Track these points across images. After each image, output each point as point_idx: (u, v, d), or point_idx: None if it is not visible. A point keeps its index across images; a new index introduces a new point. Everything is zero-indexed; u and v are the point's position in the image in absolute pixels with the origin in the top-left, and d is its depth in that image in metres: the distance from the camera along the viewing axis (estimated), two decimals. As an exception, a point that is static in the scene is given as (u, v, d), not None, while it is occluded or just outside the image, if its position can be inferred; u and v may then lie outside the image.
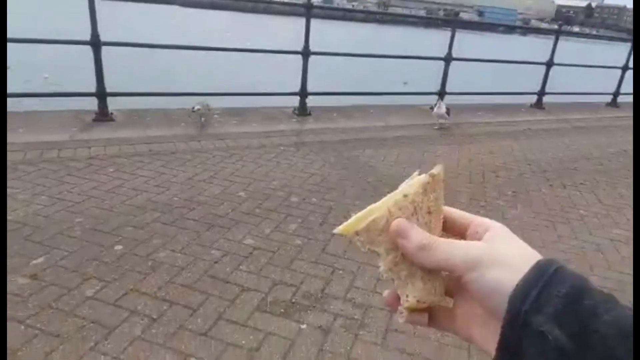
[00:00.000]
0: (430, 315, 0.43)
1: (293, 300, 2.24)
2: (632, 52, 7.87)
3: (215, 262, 2.47)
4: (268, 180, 3.63)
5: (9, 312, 1.96)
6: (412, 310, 0.42)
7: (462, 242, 0.40)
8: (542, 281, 0.33)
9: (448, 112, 5.70)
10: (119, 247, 2.51)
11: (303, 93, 5.59)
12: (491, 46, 23.19)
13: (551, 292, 0.33)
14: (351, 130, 5.29)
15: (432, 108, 6.03)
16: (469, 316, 0.41)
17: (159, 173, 3.54)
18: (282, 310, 2.16)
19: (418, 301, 0.41)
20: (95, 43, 4.19)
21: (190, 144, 4.26)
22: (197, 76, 8.45)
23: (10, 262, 2.29)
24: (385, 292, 0.44)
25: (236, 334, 1.98)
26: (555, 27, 7.73)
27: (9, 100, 4.53)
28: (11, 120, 4.28)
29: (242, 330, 2.00)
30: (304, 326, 2.07)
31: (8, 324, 1.90)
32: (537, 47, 10.64)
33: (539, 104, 7.70)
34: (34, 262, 2.31)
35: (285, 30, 14.53)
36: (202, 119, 4.75)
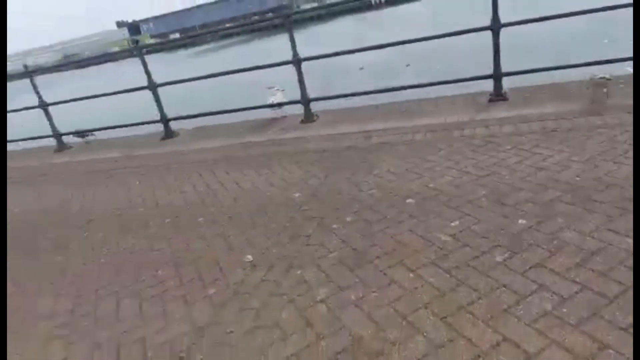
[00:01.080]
0: None
1: None
2: None
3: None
4: None
5: (437, 262, 2.44)
6: None
7: None
8: None
9: None
10: (522, 221, 2.63)
11: None
12: None
13: None
14: None
15: None
16: None
17: (557, 151, 3.42)
18: None
19: None
20: (495, 28, 4.41)
21: (589, 120, 3.88)
22: (593, 43, 7.49)
23: (434, 222, 2.83)
24: None
25: (669, 340, 1.72)
26: None
27: (408, 91, 5.42)
28: (422, 106, 5.18)
29: (678, 337, 1.72)
30: None
31: (436, 270, 2.37)
32: None
33: None
34: (452, 224, 2.76)
35: None
36: (604, 89, 4.22)
